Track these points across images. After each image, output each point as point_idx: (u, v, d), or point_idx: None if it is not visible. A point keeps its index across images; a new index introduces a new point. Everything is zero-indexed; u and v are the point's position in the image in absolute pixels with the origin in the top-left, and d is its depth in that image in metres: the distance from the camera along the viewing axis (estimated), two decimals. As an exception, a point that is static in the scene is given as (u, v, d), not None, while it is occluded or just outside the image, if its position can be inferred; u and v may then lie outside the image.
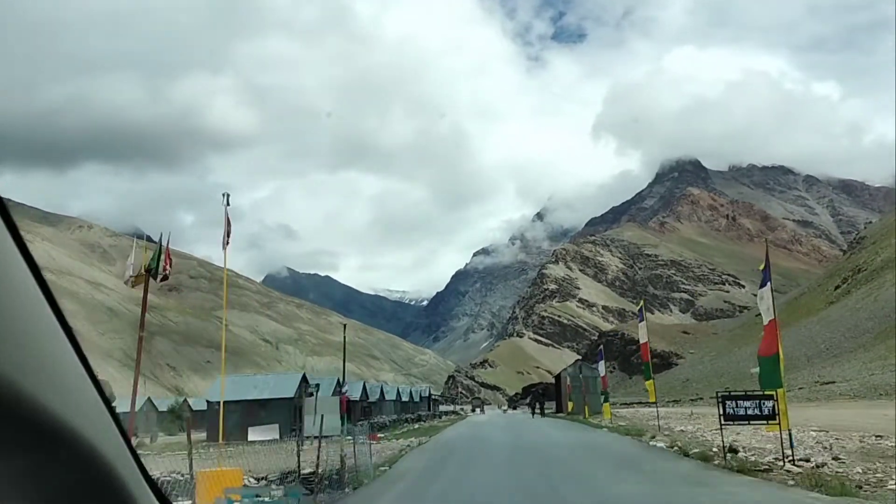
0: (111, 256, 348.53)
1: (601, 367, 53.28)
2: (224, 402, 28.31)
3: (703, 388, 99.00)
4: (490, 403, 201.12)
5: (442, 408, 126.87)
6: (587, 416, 51.34)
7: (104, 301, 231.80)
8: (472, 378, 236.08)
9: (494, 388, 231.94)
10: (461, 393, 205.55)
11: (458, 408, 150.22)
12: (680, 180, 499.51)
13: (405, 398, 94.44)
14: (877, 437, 20.60)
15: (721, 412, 17.20)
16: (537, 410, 67.92)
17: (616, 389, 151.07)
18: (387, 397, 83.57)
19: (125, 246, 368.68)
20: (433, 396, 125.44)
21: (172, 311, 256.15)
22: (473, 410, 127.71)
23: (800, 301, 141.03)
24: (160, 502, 1.94)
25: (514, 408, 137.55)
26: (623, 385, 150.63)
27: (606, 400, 47.26)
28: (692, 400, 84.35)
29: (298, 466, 16.15)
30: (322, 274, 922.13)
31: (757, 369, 18.51)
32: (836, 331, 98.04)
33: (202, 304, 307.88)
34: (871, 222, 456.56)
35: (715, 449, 19.01)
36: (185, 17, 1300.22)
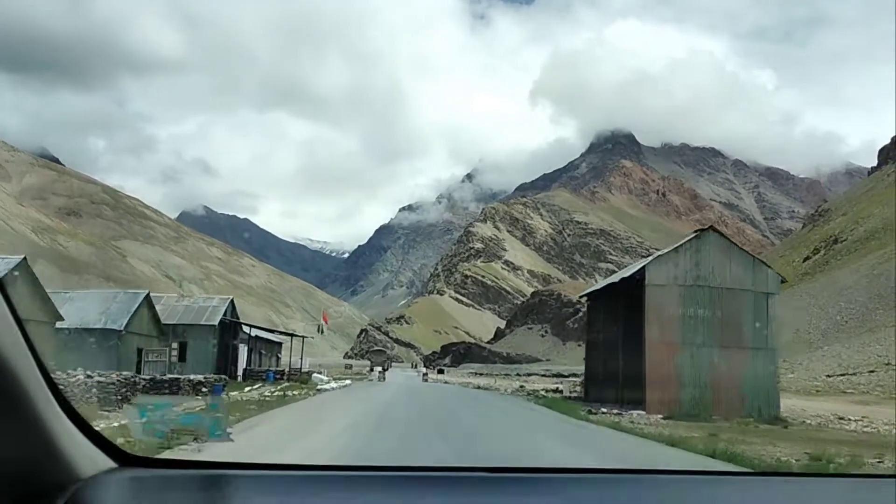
0: (6, 173, 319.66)
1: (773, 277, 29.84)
2: None
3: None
4: (402, 361, 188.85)
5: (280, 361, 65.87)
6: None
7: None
8: (387, 333, 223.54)
9: (409, 345, 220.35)
10: (374, 348, 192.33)
11: (352, 365, 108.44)
12: (613, 152, 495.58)
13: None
14: None
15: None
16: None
17: (549, 356, 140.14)
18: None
19: (24, 162, 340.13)
20: (262, 335, 62.07)
21: (65, 236, 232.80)
22: (371, 371, 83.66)
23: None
24: (68, 415, 1.84)
25: (440, 371, 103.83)
26: (556, 351, 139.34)
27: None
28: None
29: None
30: (241, 216, 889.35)
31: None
32: (854, 300, 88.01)
33: (102, 231, 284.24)
34: (794, 211, 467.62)
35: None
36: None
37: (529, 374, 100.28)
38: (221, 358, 47.03)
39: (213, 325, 46.50)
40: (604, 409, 27.47)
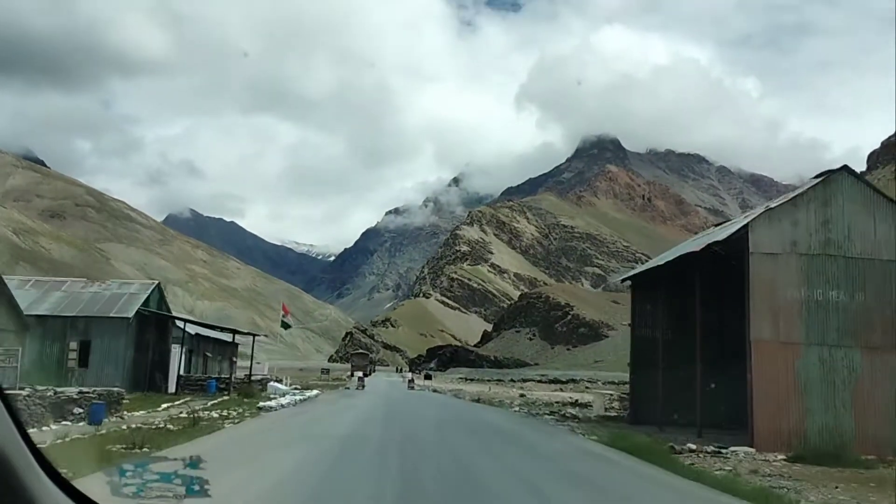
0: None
1: None
2: None
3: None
4: (388, 364, 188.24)
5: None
6: None
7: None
8: (372, 336, 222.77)
9: (395, 348, 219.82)
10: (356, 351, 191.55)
11: (329, 370, 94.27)
12: (599, 157, 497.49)
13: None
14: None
15: None
16: None
17: (537, 360, 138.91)
18: None
19: (7, 164, 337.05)
20: (206, 333, 49.45)
21: (47, 238, 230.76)
22: (351, 376, 76.98)
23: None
24: (54, 481, 1.78)
25: (427, 377, 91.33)
26: (545, 355, 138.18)
27: None
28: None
29: None
30: (227, 219, 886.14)
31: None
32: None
33: (85, 234, 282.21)
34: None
35: None
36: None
37: (525, 380, 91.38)
38: (141, 362, 36.19)
39: (127, 319, 35.10)
40: (691, 445, 18.51)
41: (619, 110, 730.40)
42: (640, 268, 30.10)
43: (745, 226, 20.75)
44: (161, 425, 18.91)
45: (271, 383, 42.01)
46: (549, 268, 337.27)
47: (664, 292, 27.27)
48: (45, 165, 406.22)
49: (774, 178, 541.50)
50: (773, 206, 21.97)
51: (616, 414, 31.16)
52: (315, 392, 42.34)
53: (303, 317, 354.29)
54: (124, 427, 18.39)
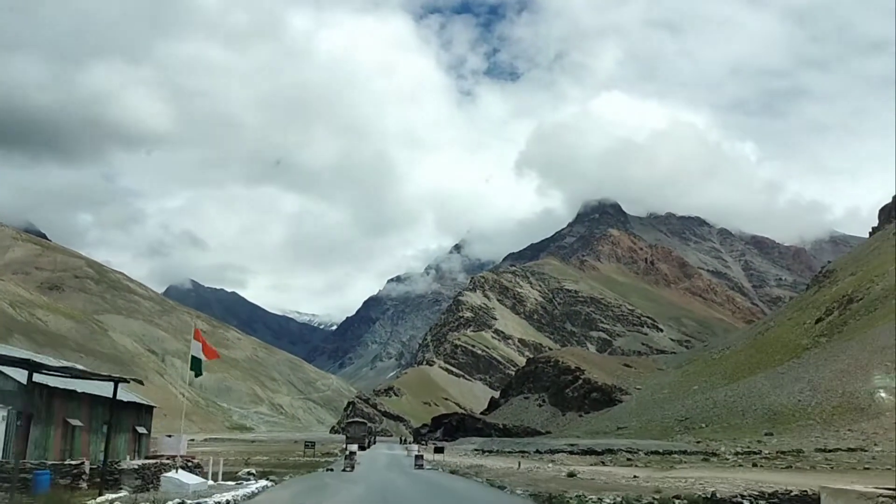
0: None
1: None
2: None
3: (718, 433, 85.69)
4: (391, 435, 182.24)
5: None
6: None
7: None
8: (374, 406, 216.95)
9: (398, 418, 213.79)
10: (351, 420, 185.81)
11: (314, 443, 77.91)
12: (600, 222, 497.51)
13: None
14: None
15: None
16: None
17: (548, 427, 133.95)
18: None
19: (7, 237, 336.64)
20: (62, 383, 27.51)
21: (44, 310, 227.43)
22: (345, 449, 64.05)
23: (766, 337, 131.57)
24: None
25: (438, 450, 79.53)
26: (555, 422, 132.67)
27: None
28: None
29: None
30: (229, 290, 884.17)
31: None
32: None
33: (84, 306, 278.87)
34: (781, 279, 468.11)
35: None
36: (106, 3, 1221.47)
37: (554, 452, 77.76)
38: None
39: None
40: None
41: (618, 175, 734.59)
42: None
43: None
44: None
45: (167, 475, 25.51)
46: (554, 333, 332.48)
47: None
48: (46, 238, 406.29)
49: (776, 239, 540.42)
50: None
51: None
52: (261, 484, 28.16)
53: (304, 387, 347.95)
54: None
